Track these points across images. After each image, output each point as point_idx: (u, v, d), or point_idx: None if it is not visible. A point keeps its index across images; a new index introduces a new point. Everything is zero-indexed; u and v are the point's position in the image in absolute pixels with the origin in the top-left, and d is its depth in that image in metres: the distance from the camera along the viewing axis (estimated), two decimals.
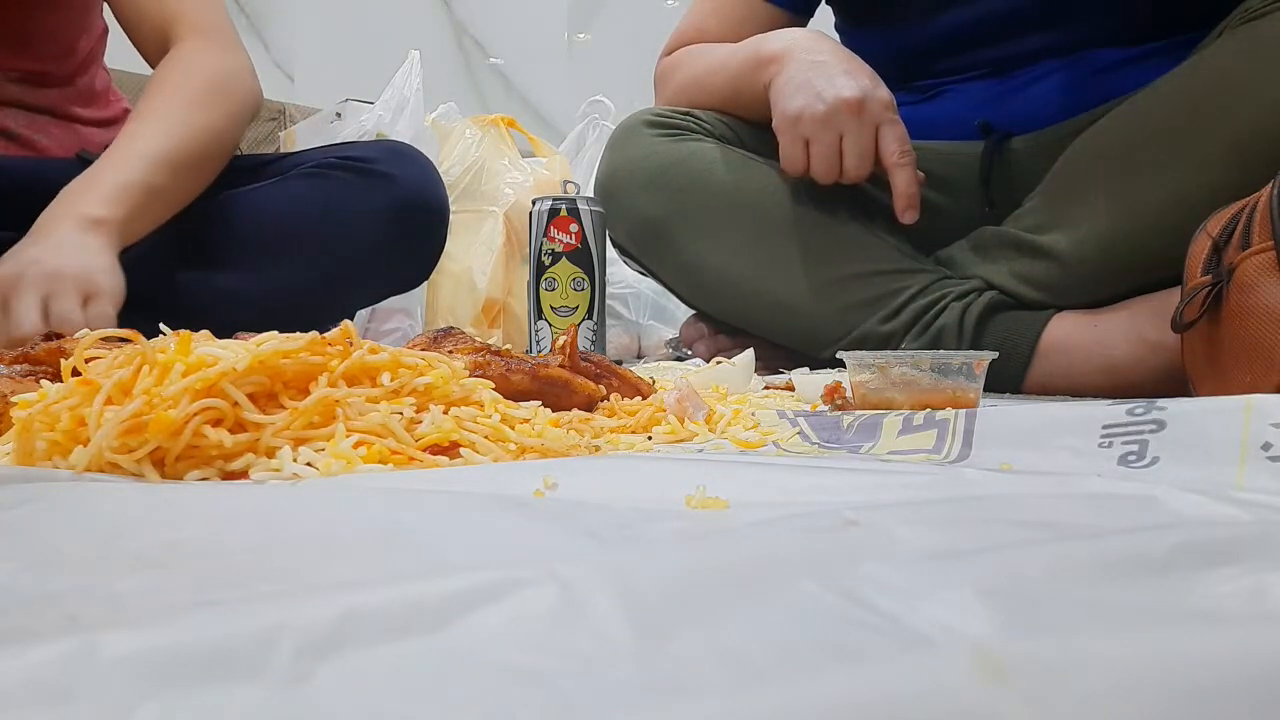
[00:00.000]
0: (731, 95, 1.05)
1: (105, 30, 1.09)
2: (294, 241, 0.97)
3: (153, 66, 0.99)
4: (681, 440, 0.52)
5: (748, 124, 1.06)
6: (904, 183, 0.92)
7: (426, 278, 1.17)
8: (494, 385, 0.50)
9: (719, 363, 0.76)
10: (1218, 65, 0.79)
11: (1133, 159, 0.84)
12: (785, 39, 0.98)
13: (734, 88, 1.04)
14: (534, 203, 1.02)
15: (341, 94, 1.64)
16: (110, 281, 0.78)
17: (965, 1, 1.00)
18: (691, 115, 1.04)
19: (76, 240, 0.77)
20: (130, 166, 0.84)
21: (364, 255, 1.00)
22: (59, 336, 0.55)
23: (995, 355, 0.59)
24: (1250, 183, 0.66)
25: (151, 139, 0.87)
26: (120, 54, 1.13)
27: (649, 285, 1.75)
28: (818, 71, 0.93)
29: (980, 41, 1.01)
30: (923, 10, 1.02)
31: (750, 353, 0.78)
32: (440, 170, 1.23)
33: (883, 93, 0.92)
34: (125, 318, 0.77)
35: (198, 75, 0.93)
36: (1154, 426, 0.41)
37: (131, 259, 0.92)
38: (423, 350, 0.52)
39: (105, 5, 1.03)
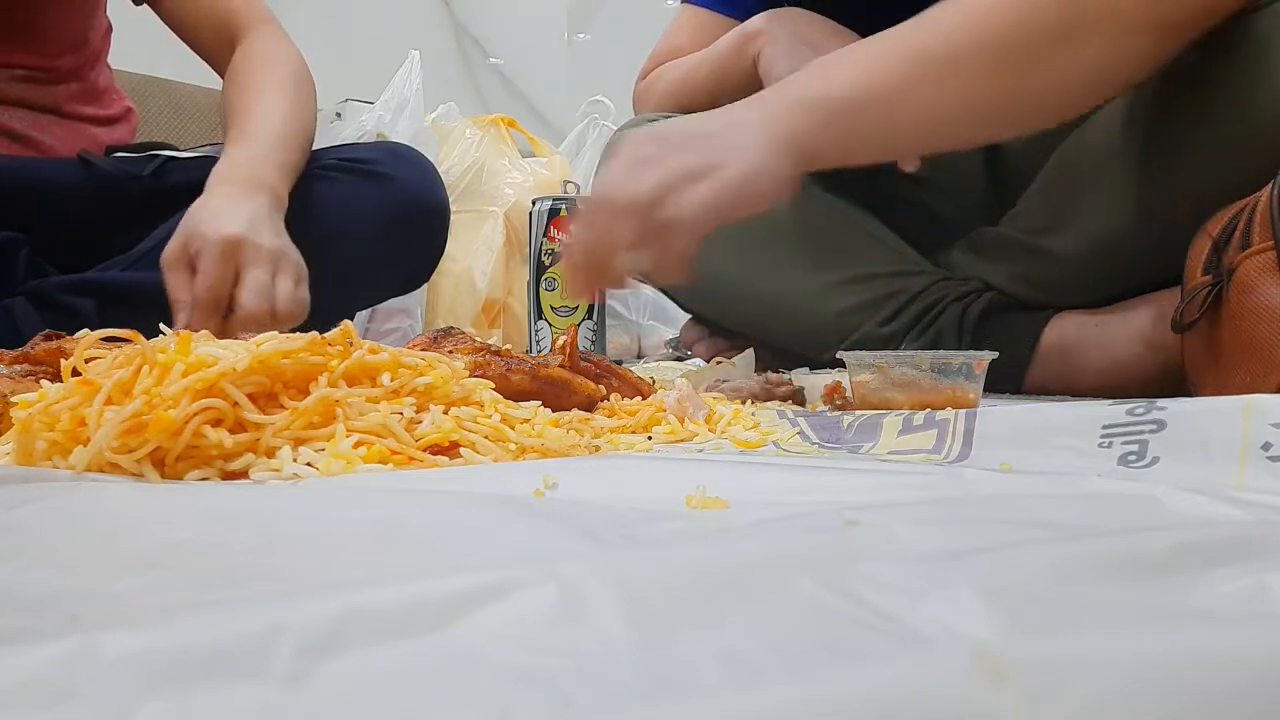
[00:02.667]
0: (717, 84, 1.04)
1: (109, 28, 1.10)
2: (300, 244, 0.98)
3: (214, 60, 1.03)
4: (681, 440, 0.52)
5: None
6: None
7: (427, 279, 1.17)
8: (494, 385, 0.50)
9: (719, 362, 0.76)
10: (1213, 62, 0.79)
11: (1129, 158, 0.84)
12: (769, 16, 0.97)
13: (719, 75, 1.03)
14: (534, 203, 1.02)
15: (341, 94, 1.64)
16: (306, 270, 0.84)
17: None
18: None
19: (274, 222, 0.83)
20: (282, 146, 0.89)
21: (364, 257, 1.00)
22: (58, 337, 0.55)
23: (995, 355, 0.59)
24: (1248, 182, 0.66)
25: (285, 120, 0.92)
26: (120, 54, 1.13)
27: (649, 285, 1.75)
28: (806, 37, 0.93)
29: None
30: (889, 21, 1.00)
31: (750, 353, 0.78)
32: (440, 170, 1.22)
33: None
34: (126, 317, 0.77)
35: (287, 64, 0.99)
36: (1154, 426, 0.41)
37: (133, 258, 0.92)
38: (423, 350, 0.52)
39: (143, 8, 1.04)
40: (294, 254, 0.82)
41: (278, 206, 0.84)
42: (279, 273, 0.80)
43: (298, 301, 0.81)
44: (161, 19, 1.04)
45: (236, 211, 0.80)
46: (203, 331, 0.43)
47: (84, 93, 1.06)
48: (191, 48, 1.05)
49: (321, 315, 0.95)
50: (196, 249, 0.77)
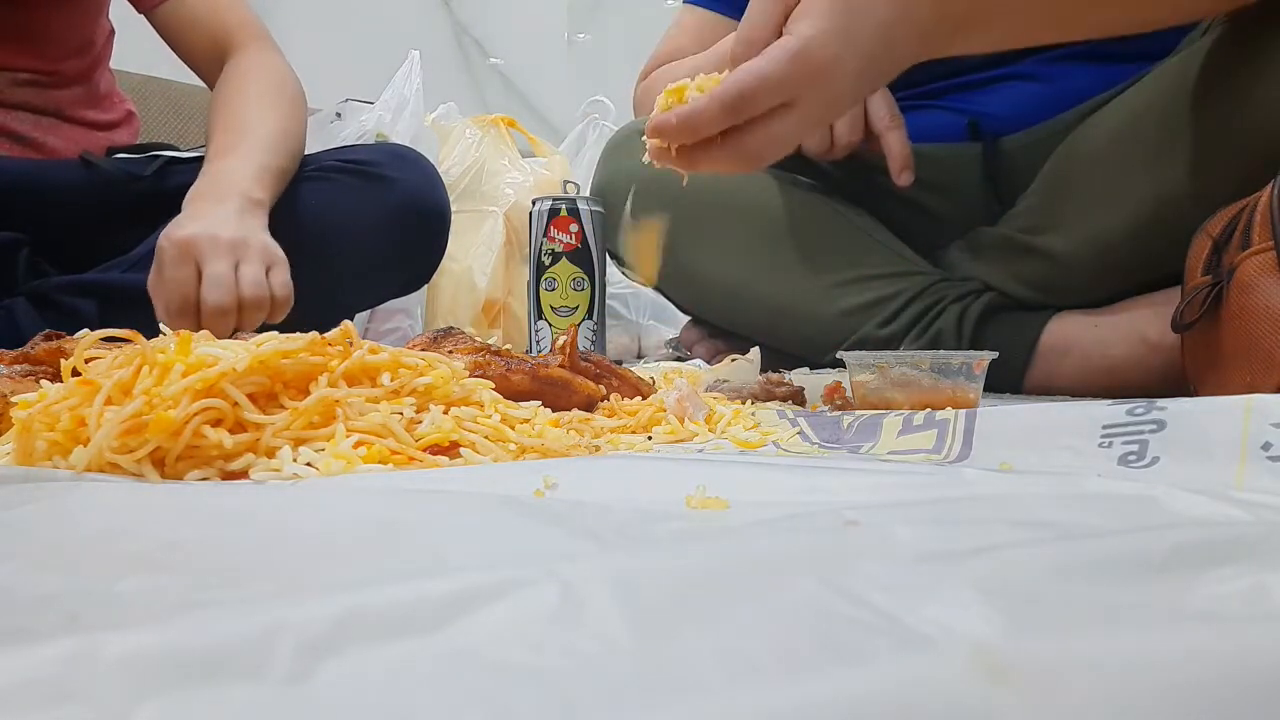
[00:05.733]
0: None
1: (112, 32, 1.10)
2: (295, 245, 0.98)
3: (206, 73, 1.04)
4: (681, 440, 0.52)
5: None
6: (897, 144, 0.92)
7: (427, 281, 1.17)
8: (494, 385, 0.50)
9: (734, 359, 0.76)
10: (1208, 62, 0.79)
11: (1125, 158, 0.84)
12: None
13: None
14: (534, 203, 1.02)
15: (341, 94, 1.63)
16: (282, 255, 0.83)
17: None
18: None
19: (244, 219, 0.82)
20: (265, 151, 0.89)
21: (365, 259, 1.00)
22: (58, 337, 0.55)
23: (995, 355, 0.59)
24: (1244, 182, 0.66)
25: (271, 127, 0.92)
26: (120, 54, 1.13)
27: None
28: None
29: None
30: None
31: (757, 350, 0.78)
32: (440, 170, 1.22)
33: None
34: (126, 318, 0.78)
35: (275, 77, 1.00)
36: (1154, 426, 0.41)
37: (134, 259, 0.92)
38: (423, 350, 0.52)
39: (146, 14, 1.04)
40: (259, 240, 0.81)
41: (251, 208, 0.83)
42: (243, 261, 0.79)
43: (270, 286, 0.80)
44: (156, 30, 1.04)
45: (196, 218, 0.80)
46: (203, 331, 0.43)
47: (86, 97, 1.06)
48: (184, 60, 1.05)
49: (322, 316, 0.95)
50: (159, 261, 0.78)
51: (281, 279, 0.82)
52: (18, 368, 0.51)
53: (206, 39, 1.03)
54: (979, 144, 1.00)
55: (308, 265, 0.98)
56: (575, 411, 0.55)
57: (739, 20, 1.06)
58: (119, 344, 0.44)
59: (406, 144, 1.58)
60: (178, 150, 1.05)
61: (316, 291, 0.99)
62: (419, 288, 1.21)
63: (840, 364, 0.65)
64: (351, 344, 0.45)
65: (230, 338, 0.47)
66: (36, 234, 0.93)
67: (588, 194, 1.08)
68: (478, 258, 1.65)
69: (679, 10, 1.17)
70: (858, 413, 0.55)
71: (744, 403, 0.64)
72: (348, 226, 0.98)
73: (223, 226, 0.79)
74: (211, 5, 1.02)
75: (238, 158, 0.87)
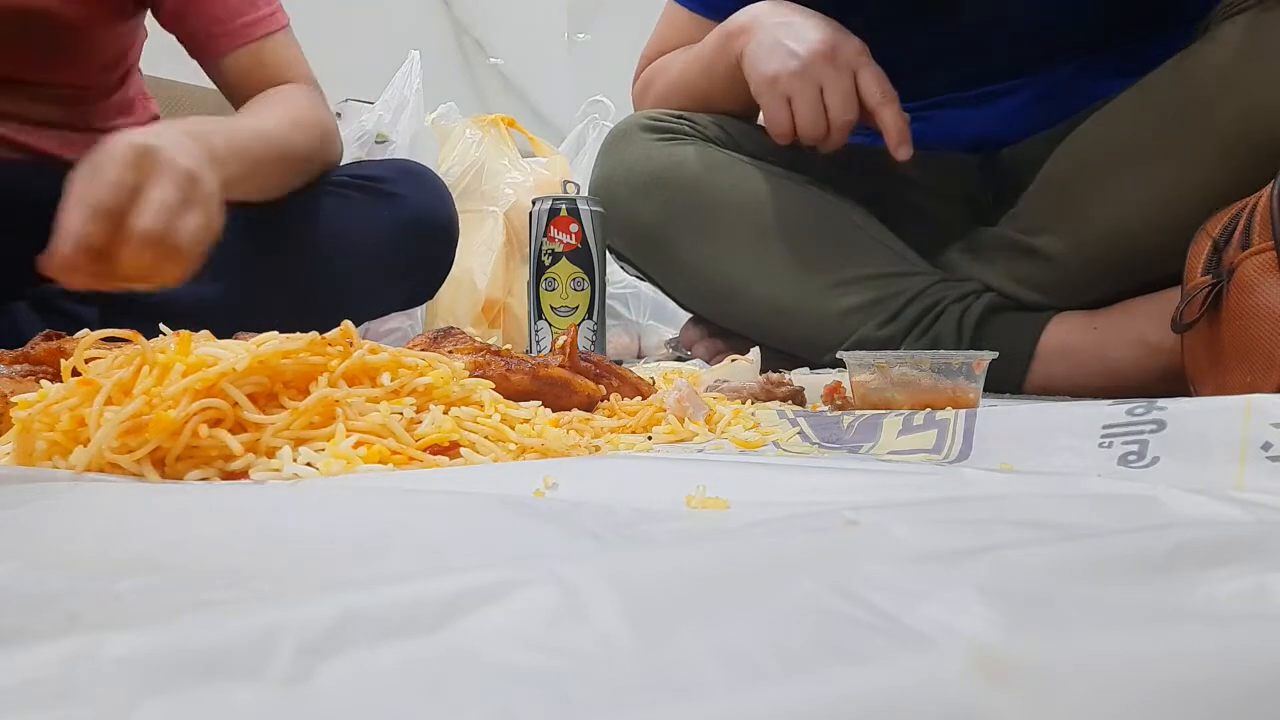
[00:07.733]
0: (708, 84, 1.04)
1: (145, 34, 1.08)
2: (302, 258, 0.97)
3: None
4: (681, 440, 0.52)
5: (743, 125, 1.06)
6: (892, 118, 0.91)
7: (432, 296, 1.17)
8: (494, 385, 0.50)
9: (734, 359, 0.76)
10: (1205, 63, 0.79)
11: (1124, 158, 0.84)
12: (749, 12, 0.97)
13: (709, 74, 1.03)
14: (534, 203, 1.02)
15: (341, 94, 1.64)
16: (219, 219, 0.76)
17: (911, 31, 0.99)
18: (685, 119, 1.04)
19: (198, 150, 0.76)
20: (241, 130, 0.85)
21: (371, 273, 1.00)
22: (58, 337, 0.55)
23: (995, 355, 0.59)
24: (1243, 182, 0.66)
25: (259, 124, 0.89)
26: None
27: (649, 285, 1.76)
28: (785, 31, 0.92)
29: (934, 65, 1.01)
30: (871, 32, 0.99)
31: (757, 350, 0.78)
32: (440, 171, 1.23)
33: (854, 40, 0.91)
34: (126, 322, 0.77)
35: (299, 105, 0.96)
36: (1154, 426, 0.41)
37: None
38: (423, 350, 0.52)
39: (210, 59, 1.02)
40: (212, 183, 0.74)
41: (208, 155, 0.77)
42: (189, 203, 0.71)
43: (200, 237, 0.73)
44: (211, 78, 1.02)
45: (156, 132, 0.74)
46: (203, 331, 0.43)
47: (118, 105, 1.05)
48: (235, 104, 1.02)
49: (327, 326, 0.95)
50: (101, 157, 0.71)
51: (202, 225, 0.73)
52: (18, 368, 0.51)
53: (262, 86, 0.99)
54: (978, 154, 1.00)
55: (313, 279, 0.98)
56: (575, 411, 0.55)
57: (716, 21, 1.06)
58: (119, 344, 0.44)
59: (406, 143, 1.59)
60: None
61: (320, 305, 0.99)
62: (424, 302, 1.21)
63: (840, 364, 0.65)
64: (351, 344, 0.45)
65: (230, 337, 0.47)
66: (40, 239, 0.93)
67: (587, 194, 1.08)
68: (478, 258, 1.66)
69: (666, 6, 1.17)
70: (858, 413, 0.55)
71: (744, 403, 0.64)
72: (356, 242, 0.98)
73: (182, 152, 0.72)
74: (278, 59, 0.99)
75: (217, 124, 0.83)
